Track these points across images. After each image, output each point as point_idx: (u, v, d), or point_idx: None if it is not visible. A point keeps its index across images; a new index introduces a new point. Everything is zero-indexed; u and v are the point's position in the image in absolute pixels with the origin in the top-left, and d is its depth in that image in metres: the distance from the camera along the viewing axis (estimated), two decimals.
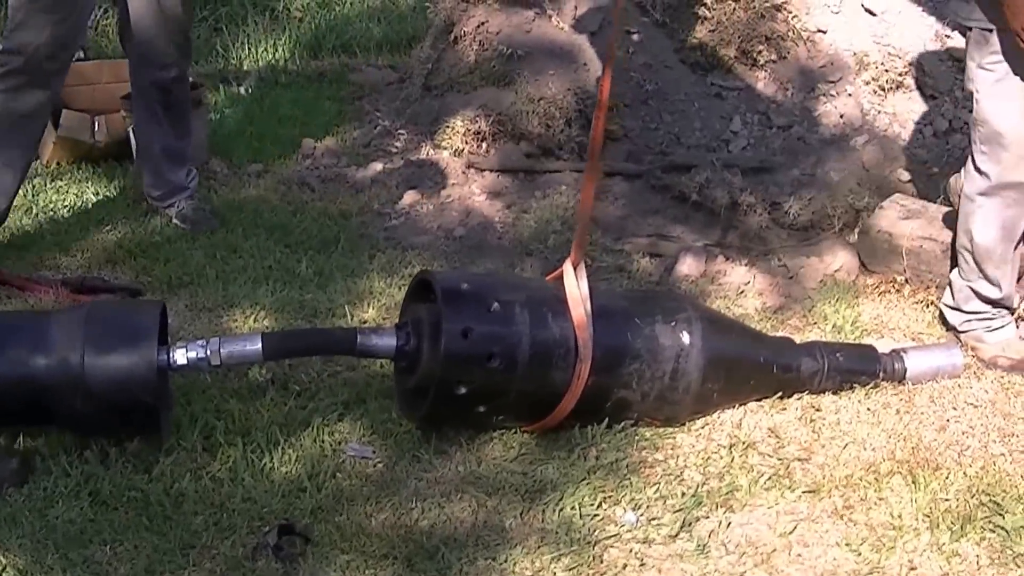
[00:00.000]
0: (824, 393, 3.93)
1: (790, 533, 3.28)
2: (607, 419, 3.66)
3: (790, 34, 5.94)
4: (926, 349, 4.17)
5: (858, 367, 3.99)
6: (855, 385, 3.96)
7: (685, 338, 3.62)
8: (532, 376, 3.49)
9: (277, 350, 3.57)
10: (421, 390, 3.54)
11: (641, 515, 3.33)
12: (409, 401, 3.64)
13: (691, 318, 3.66)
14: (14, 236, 4.94)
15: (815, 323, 4.56)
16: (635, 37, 6.00)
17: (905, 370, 4.02)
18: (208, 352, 3.44)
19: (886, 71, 5.83)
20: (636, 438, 3.65)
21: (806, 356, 3.91)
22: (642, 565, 3.14)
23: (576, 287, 3.57)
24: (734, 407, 3.81)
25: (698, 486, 3.45)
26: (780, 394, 3.87)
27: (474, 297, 3.53)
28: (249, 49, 7.98)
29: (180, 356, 3.43)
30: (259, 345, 3.47)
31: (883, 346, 4.16)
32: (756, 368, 3.83)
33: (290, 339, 3.75)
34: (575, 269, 3.60)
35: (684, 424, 3.73)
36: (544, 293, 3.62)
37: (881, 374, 4.00)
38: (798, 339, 4.14)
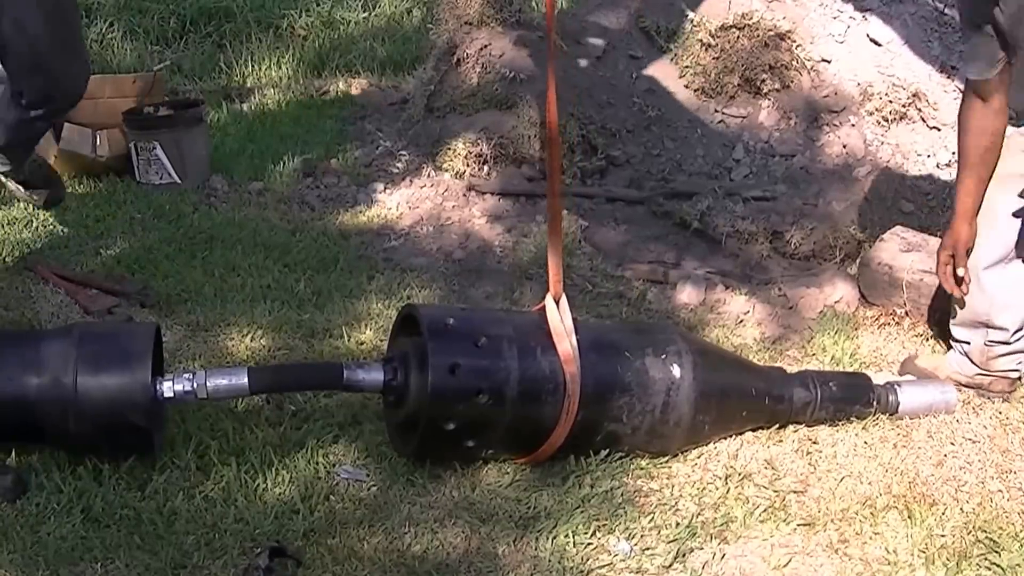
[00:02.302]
0: (819, 424, 3.91)
1: (784, 566, 3.26)
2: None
3: (794, 63, 5.94)
4: (920, 383, 4.15)
5: (851, 397, 3.97)
6: (851, 417, 3.95)
7: (676, 371, 3.60)
8: (521, 411, 3.47)
9: (264, 384, 3.56)
10: (410, 424, 3.52)
11: (635, 545, 3.30)
12: (399, 433, 3.63)
13: (681, 350, 3.64)
14: (14, 249, 4.93)
15: (814, 354, 4.55)
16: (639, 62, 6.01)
17: (898, 403, 4.01)
18: (195, 385, 3.43)
19: (890, 102, 5.84)
20: (631, 467, 3.63)
21: (798, 386, 3.90)
22: None
23: (559, 321, 3.54)
24: (730, 437, 3.79)
25: (693, 517, 3.43)
26: (777, 425, 3.85)
27: (461, 332, 3.51)
28: (252, 67, 7.98)
29: (167, 389, 3.43)
30: (245, 379, 3.46)
31: (880, 379, 4.15)
32: (748, 399, 3.82)
33: (276, 373, 3.74)
34: (557, 303, 3.58)
35: (680, 454, 3.71)
36: (531, 327, 3.59)
37: (874, 405, 3.99)
38: (794, 370, 4.12)
